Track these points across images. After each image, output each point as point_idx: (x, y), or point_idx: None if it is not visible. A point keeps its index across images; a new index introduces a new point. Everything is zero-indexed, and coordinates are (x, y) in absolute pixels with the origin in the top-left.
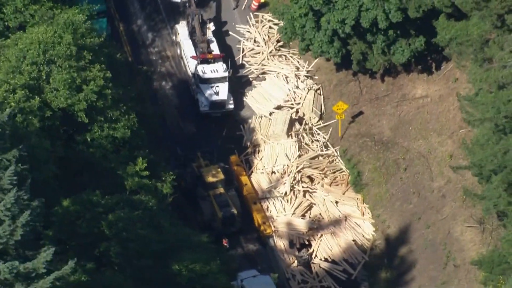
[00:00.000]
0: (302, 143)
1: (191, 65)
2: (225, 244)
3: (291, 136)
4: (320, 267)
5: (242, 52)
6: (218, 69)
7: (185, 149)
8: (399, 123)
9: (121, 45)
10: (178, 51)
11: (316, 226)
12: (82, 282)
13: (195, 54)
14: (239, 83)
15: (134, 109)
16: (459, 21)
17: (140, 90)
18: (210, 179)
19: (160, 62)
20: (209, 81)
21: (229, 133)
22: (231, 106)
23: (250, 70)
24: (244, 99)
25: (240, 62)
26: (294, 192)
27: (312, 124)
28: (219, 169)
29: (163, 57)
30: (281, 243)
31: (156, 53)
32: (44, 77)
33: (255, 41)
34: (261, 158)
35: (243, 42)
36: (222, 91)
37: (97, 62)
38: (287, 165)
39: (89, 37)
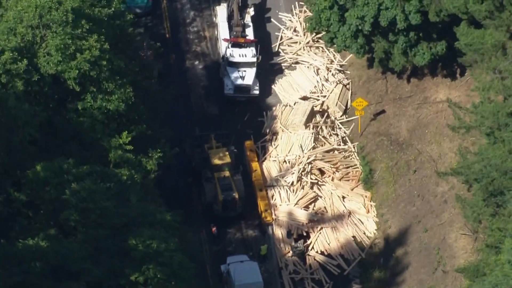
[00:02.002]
0: (320, 136)
1: (223, 47)
2: (214, 232)
3: (310, 128)
4: (314, 259)
5: (280, 40)
6: (247, 54)
7: (203, 130)
8: (417, 125)
9: (161, 21)
10: (216, 32)
11: (317, 219)
12: (40, 247)
13: (228, 37)
14: (271, 70)
15: (138, 84)
16: (479, 29)
17: (145, 65)
18: (217, 161)
19: (196, 41)
20: (236, 65)
21: (251, 118)
22: (256, 92)
23: (284, 58)
24: (273, 86)
25: (276, 49)
26: (301, 183)
27: (335, 118)
28: (227, 152)
29: (200, 37)
30: (279, 232)
31: (194, 33)
32: (38, 41)
33: (295, 30)
34: (276, 146)
35: (283, 30)
36: (248, 76)
37: (96, 33)
38: (299, 156)
39: (98, 6)
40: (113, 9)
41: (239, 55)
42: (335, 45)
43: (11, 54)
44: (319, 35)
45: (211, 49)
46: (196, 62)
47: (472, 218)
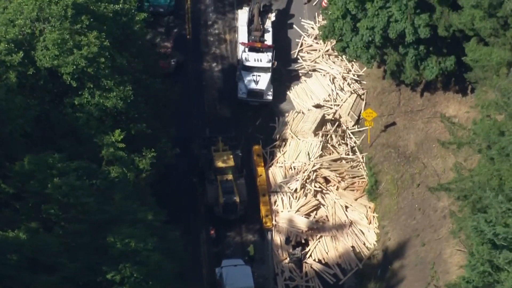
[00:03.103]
0: (329, 144)
1: (240, 51)
2: (212, 234)
3: (319, 136)
4: (311, 267)
5: (300, 47)
6: (262, 59)
7: (214, 132)
8: (425, 139)
9: (183, 22)
10: (236, 36)
11: (317, 227)
12: (17, 240)
13: (246, 41)
14: (288, 76)
15: (141, 82)
16: (487, 46)
17: (148, 64)
18: (220, 164)
19: (216, 44)
20: (250, 69)
21: (263, 123)
22: (270, 97)
23: (302, 65)
24: (288, 92)
25: (295, 56)
26: (304, 190)
27: (347, 127)
28: (231, 156)
29: (220, 40)
30: (278, 238)
31: (215, 35)
32: (38, 34)
33: (316, 38)
34: (284, 153)
35: (304, 37)
36: (262, 81)
37: (97, 29)
38: (305, 163)
39: (104, 2)
40: (120, 5)
41: (254, 60)
42: (346, 54)
43: (6, 46)
44: None
45: (230, 52)
46: (214, 64)
47: (458, 235)
